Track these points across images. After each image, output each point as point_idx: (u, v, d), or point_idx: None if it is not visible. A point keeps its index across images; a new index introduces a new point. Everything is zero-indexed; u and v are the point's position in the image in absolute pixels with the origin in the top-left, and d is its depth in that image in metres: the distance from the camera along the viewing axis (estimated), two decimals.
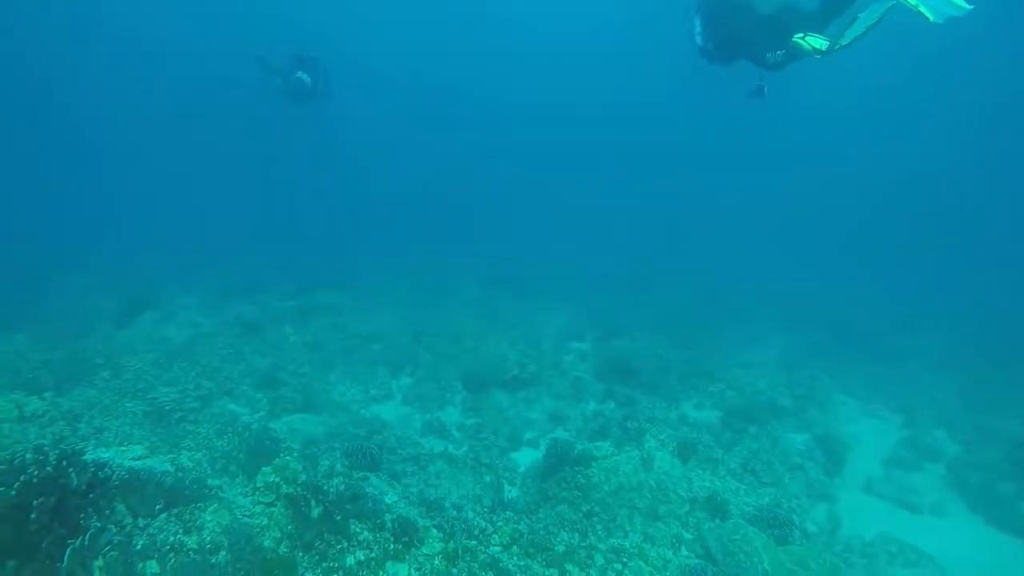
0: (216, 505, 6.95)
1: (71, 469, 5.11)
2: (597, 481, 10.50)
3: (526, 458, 13.62)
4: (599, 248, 38.38)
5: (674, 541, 9.84)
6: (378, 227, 42.27)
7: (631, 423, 11.91)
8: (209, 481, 8.14)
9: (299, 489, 5.99)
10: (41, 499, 4.94)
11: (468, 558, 6.60)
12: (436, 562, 6.36)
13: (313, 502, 5.86)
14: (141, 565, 5.20)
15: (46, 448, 5.28)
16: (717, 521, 10.35)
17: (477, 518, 7.65)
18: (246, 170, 64.68)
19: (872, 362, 19.59)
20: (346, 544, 5.95)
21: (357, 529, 6.23)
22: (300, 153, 59.74)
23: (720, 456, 12.54)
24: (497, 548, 7.01)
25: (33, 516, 4.84)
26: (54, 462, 5.07)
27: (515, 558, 6.86)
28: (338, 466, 9.92)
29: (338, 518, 5.86)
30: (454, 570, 6.35)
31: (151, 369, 14.39)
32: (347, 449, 10.62)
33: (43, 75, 57.21)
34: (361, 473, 9.44)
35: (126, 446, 8.11)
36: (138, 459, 7.99)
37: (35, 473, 4.97)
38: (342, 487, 6.67)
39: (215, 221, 40.61)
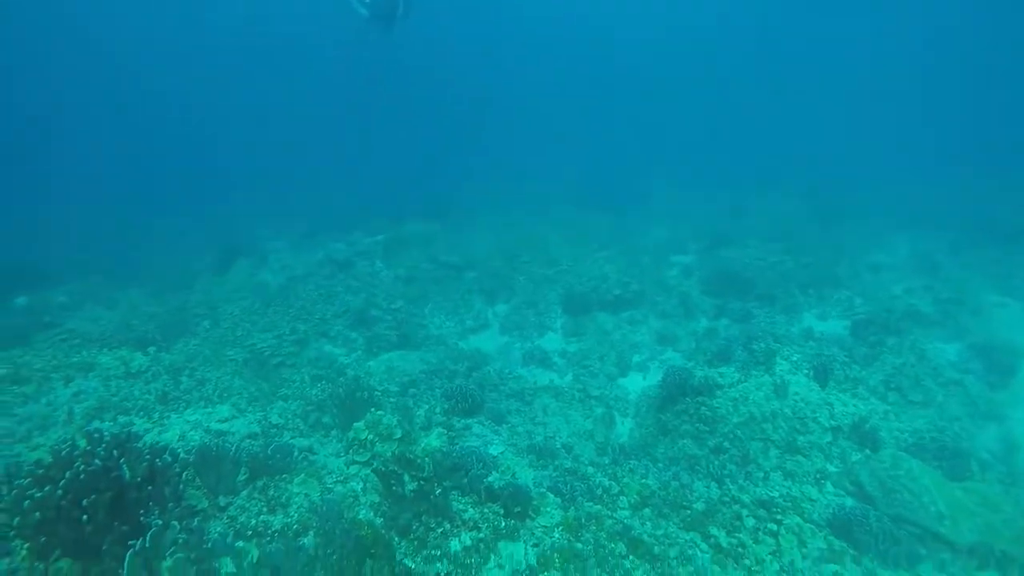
0: (304, 475, 6.08)
1: (123, 460, 4.19)
2: (724, 412, 9.03)
3: (636, 384, 12.31)
4: (697, 157, 35.15)
5: (818, 477, 8.28)
6: (466, 154, 40.73)
7: (757, 344, 10.19)
8: (299, 441, 7.34)
9: (390, 464, 4.92)
10: (93, 496, 4.03)
11: (594, 527, 5.42)
12: (556, 535, 5.21)
13: (407, 477, 4.81)
14: (215, 564, 4.32)
15: (98, 435, 4.38)
16: (867, 452, 8.68)
17: (598, 474, 6.42)
18: (329, 104, 64.02)
19: None
20: (448, 526, 4.89)
21: (460, 506, 5.17)
22: (386, 86, 58.25)
23: (859, 374, 10.67)
24: (626, 512, 5.77)
25: (85, 517, 3.95)
26: (103, 454, 4.17)
27: (648, 523, 5.60)
28: (437, 413, 8.98)
29: (437, 493, 4.80)
30: (579, 544, 5.17)
31: (248, 316, 14.01)
32: (447, 391, 9.65)
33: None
34: (463, 421, 8.44)
35: (212, 407, 7.39)
36: (224, 421, 7.28)
37: (82, 468, 4.06)
38: (439, 456, 5.54)
39: (302, 160, 40.46)
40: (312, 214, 24.39)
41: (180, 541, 4.13)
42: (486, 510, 5.14)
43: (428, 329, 15.11)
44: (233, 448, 5.52)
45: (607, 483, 6.11)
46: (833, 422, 8.91)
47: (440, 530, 4.86)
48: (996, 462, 9.42)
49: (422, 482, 4.77)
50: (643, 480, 6.21)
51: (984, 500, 7.62)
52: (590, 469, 6.58)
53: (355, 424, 7.36)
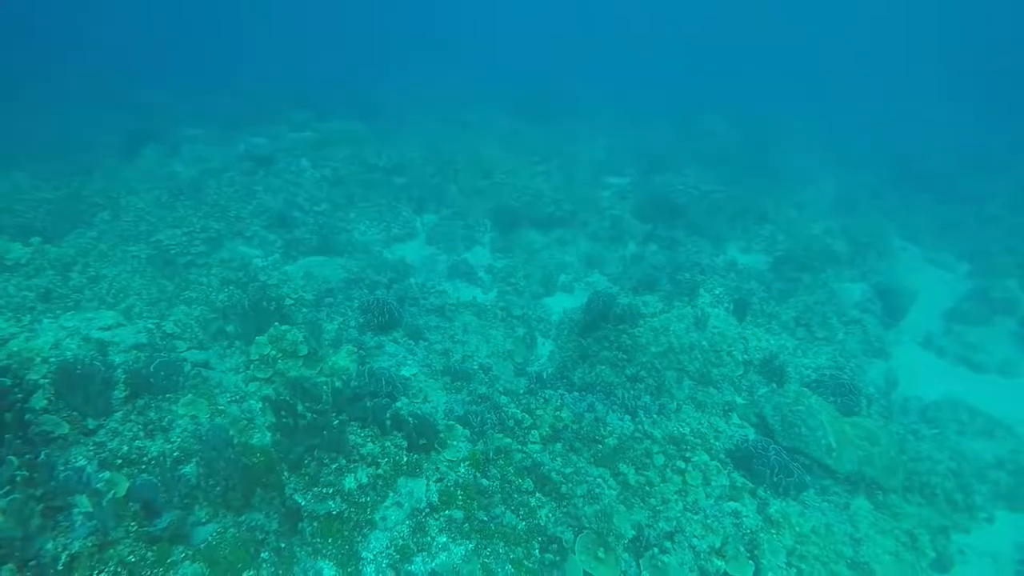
0: (193, 394, 5.39)
1: None
2: (644, 341, 8.86)
3: (560, 304, 12.04)
4: (643, 76, 33.86)
5: (726, 409, 8.34)
6: (404, 50, 37.62)
7: (683, 275, 9.99)
8: (195, 355, 6.59)
9: (284, 392, 4.32)
10: None
11: (502, 462, 5.09)
12: (462, 470, 4.85)
13: (301, 407, 4.25)
14: (67, 501, 3.69)
15: None
16: (773, 386, 8.81)
17: (512, 404, 6.06)
18: None
19: (942, 204, 16.92)
20: (344, 462, 4.41)
21: (359, 439, 4.68)
22: None
23: (774, 310, 10.77)
24: (537, 446, 5.47)
25: None
26: None
27: (558, 458, 5.33)
28: (351, 328, 8.36)
29: (334, 426, 4.28)
30: (484, 481, 4.84)
31: (154, 209, 12.60)
32: (364, 304, 8.98)
33: None
34: (376, 339, 7.85)
35: (95, 313, 6.46)
36: (107, 329, 6.40)
37: None
38: (345, 379, 4.97)
39: (222, 44, 36.19)
40: (234, 104, 21.97)
41: (19, 479, 3.45)
42: (388, 443, 4.70)
43: (352, 235, 14.17)
44: (103, 364, 4.74)
45: (520, 415, 5.79)
46: (746, 356, 8.94)
47: (334, 466, 4.39)
48: (880, 396, 9.85)
49: (316, 415, 4.24)
50: (557, 412, 5.93)
51: (867, 434, 7.91)
52: (504, 398, 6.24)
53: (257, 338, 6.66)
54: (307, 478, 4.30)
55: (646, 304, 9.38)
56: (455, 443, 5.07)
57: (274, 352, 6.52)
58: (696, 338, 8.91)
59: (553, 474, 5.05)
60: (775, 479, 6.94)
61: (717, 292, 9.92)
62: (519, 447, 5.34)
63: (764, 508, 6.35)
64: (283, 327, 6.68)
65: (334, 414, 4.49)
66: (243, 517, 4.37)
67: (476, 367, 8.43)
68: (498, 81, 30.83)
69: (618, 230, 14.33)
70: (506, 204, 14.61)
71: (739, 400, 8.58)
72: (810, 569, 5.80)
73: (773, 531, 6.22)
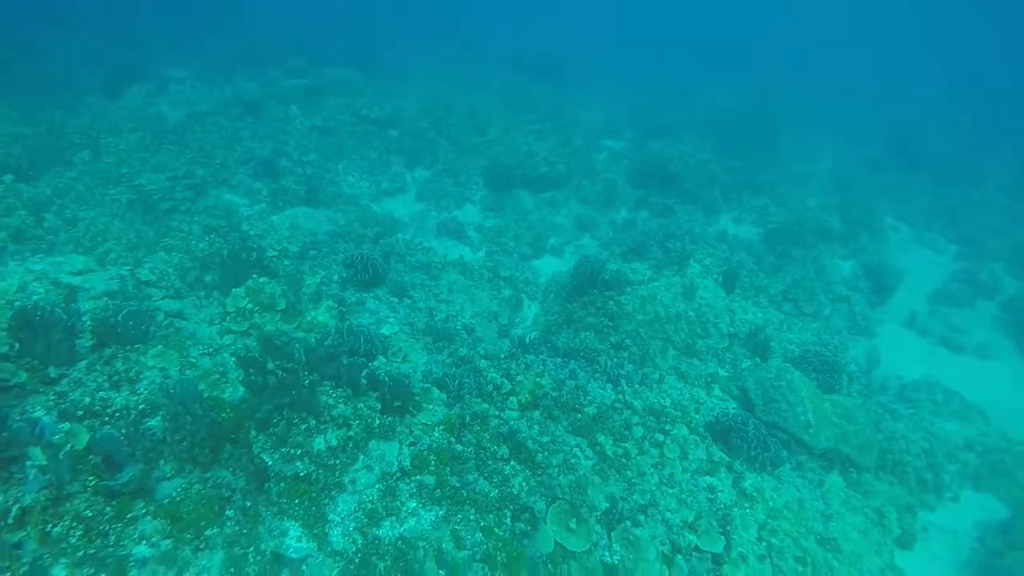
0: (162, 346, 5.19)
1: None
2: (631, 309, 8.72)
3: (548, 267, 11.87)
4: (648, 45, 32.81)
5: (708, 381, 8.28)
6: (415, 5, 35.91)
7: (673, 243, 9.80)
8: (168, 304, 6.36)
9: (256, 347, 4.12)
10: None
11: (478, 427, 4.97)
12: (436, 434, 4.72)
13: (271, 364, 4.07)
14: (20, 452, 3.52)
15: None
16: (757, 360, 8.74)
17: (492, 369, 5.91)
18: None
19: (938, 184, 16.69)
20: (314, 423, 4.26)
21: (331, 400, 4.51)
22: None
23: (763, 283, 10.65)
24: (515, 412, 5.33)
25: None
26: None
27: (536, 426, 5.20)
28: (334, 283, 8.14)
29: (305, 385, 4.10)
30: (459, 446, 4.71)
31: (137, 151, 12.14)
32: (348, 259, 8.73)
33: None
34: (357, 295, 7.63)
35: (64, 257, 6.19)
36: (78, 274, 6.15)
37: None
38: (322, 335, 4.77)
39: None
40: (224, 43, 21.03)
41: None
42: (361, 404, 4.54)
43: (340, 187, 13.79)
44: (65, 312, 4.50)
45: (499, 380, 5.65)
46: (732, 329, 8.83)
47: (304, 427, 4.24)
48: (861, 374, 9.84)
49: (286, 373, 4.06)
50: (538, 379, 5.79)
51: (845, 412, 7.89)
52: (484, 362, 6.08)
53: (234, 290, 6.43)
54: (275, 438, 4.15)
55: (635, 271, 9.21)
56: (431, 406, 4.93)
57: (251, 305, 6.30)
58: (683, 308, 8.77)
59: (529, 442, 4.94)
60: (752, 453, 6.90)
61: (707, 263, 9.76)
62: (496, 413, 5.21)
63: (739, 482, 6.32)
64: (261, 279, 6.45)
65: (306, 373, 4.31)
66: (209, 474, 4.24)
67: (460, 327, 8.27)
68: (504, 42, 29.73)
69: (611, 194, 14.05)
70: (499, 162, 14.23)
71: (722, 372, 8.52)
72: (780, 543, 5.79)
73: (747, 505, 6.20)
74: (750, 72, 28.41)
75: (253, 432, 4.22)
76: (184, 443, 4.19)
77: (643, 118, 18.12)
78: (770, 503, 6.31)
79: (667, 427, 5.88)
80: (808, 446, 7.59)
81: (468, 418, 4.98)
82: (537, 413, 5.35)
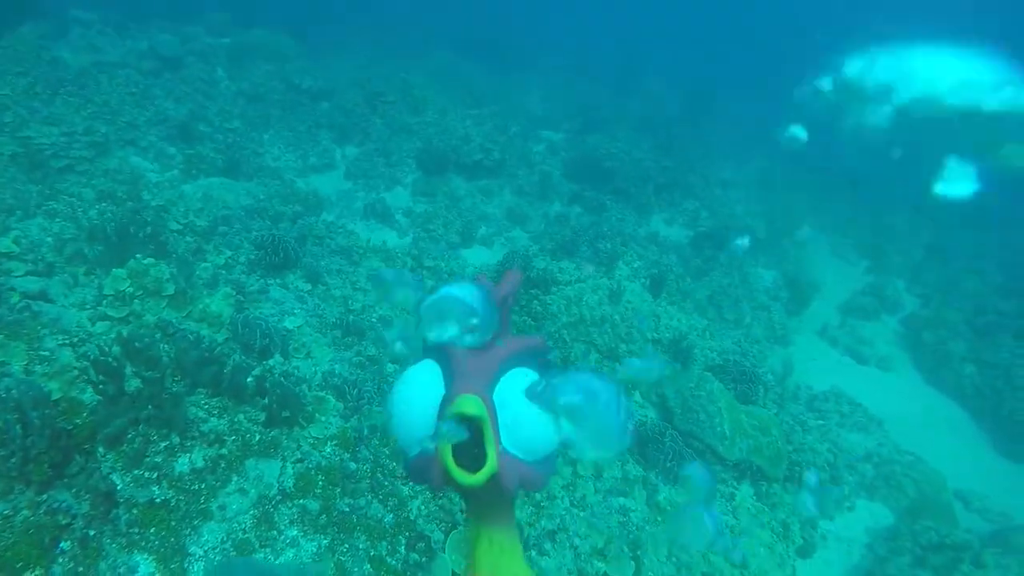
0: (5, 335, 4.31)
1: None
2: (555, 310, 8.33)
3: (477, 258, 11.36)
4: (590, 30, 32.39)
5: (630, 386, 8.00)
6: None
7: (604, 244, 9.45)
8: (30, 283, 5.41)
9: (114, 348, 3.37)
10: None
11: (377, 442, 4.38)
12: (328, 450, 4.12)
13: (130, 367, 3.35)
14: None
15: None
16: (678, 366, 8.56)
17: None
18: None
19: (854, 198, 17.20)
20: (178, 440, 3.58)
21: (202, 412, 3.83)
22: None
23: (689, 287, 10.52)
24: None
25: None
26: None
27: None
28: (240, 264, 7.31)
29: (169, 396, 3.40)
30: (353, 464, 4.14)
31: (25, 100, 10.61)
32: (259, 239, 7.89)
33: None
34: (261, 281, 6.86)
35: None
36: None
37: None
38: (191, 338, 4.05)
39: None
40: None
41: None
42: (241, 417, 3.89)
43: (264, 159, 12.68)
44: None
45: None
46: (656, 334, 8.61)
47: (164, 444, 3.56)
48: (776, 383, 9.89)
49: (146, 383, 3.36)
50: None
51: (760, 424, 7.83)
52: (392, 366, 5.50)
53: (114, 271, 5.55)
54: (127, 458, 3.46)
55: (562, 271, 8.81)
56: (325, 418, 4.33)
57: (133, 289, 5.45)
58: (608, 311, 8.46)
59: None
60: (668, 465, 6.70)
61: (636, 265, 9.50)
62: None
63: (653, 496, 6.08)
64: (146, 260, 5.59)
65: (175, 380, 3.61)
66: (45, 496, 3.49)
67: (375, 319, 7.63)
68: (447, 20, 28.54)
69: (546, 187, 13.61)
70: (434, 145, 13.49)
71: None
72: (689, 560, 5.57)
73: (659, 519, 5.97)
74: (689, 64, 28.66)
75: (101, 449, 3.50)
76: (13, 459, 3.44)
77: (582, 109, 17.72)
78: None
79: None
80: (722, 457, 7.48)
81: (367, 431, 4.41)
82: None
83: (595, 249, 9.52)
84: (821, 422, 9.04)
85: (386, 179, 13.03)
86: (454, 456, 1.12)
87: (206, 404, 3.92)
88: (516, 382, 1.23)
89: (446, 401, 1.18)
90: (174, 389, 3.55)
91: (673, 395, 7.85)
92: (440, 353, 1.30)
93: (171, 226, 8.07)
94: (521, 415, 1.19)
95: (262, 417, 4.01)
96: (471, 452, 1.15)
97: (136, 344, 3.55)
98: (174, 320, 5.37)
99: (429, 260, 9.82)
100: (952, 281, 13.99)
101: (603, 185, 14.03)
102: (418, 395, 1.24)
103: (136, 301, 5.30)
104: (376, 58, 19.29)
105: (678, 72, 26.04)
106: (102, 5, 15.50)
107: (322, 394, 4.54)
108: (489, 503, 1.24)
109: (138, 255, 5.63)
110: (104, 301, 5.36)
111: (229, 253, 7.66)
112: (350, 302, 7.94)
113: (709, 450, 7.50)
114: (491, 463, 1.12)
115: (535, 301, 8.30)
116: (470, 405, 1.14)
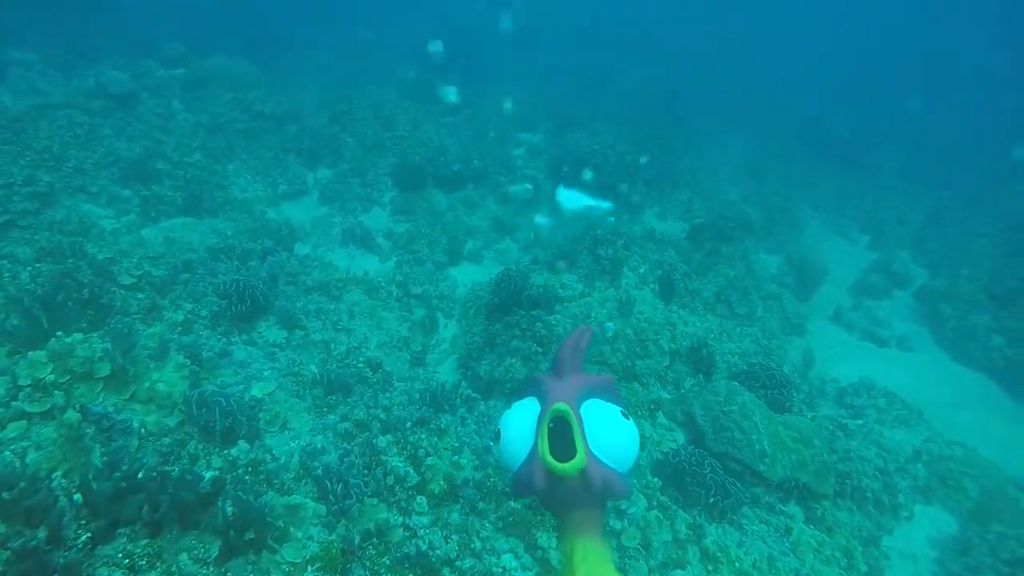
0: None
1: None
2: (561, 331, 7.28)
3: (467, 275, 10.29)
4: (560, 34, 31.14)
5: (652, 408, 6.98)
6: None
7: (604, 249, 8.39)
8: None
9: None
10: None
11: (373, 551, 3.29)
12: None
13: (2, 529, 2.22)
14: None
15: None
16: (700, 377, 7.55)
17: (393, 452, 4.17)
18: None
19: (845, 172, 16.29)
20: None
21: (114, 569, 2.69)
22: None
23: (696, 285, 9.50)
24: (424, 518, 3.66)
25: None
26: None
27: (455, 535, 3.56)
28: (202, 319, 6.17)
29: (59, 568, 2.27)
30: None
31: None
32: (221, 287, 6.75)
33: None
34: (223, 340, 5.72)
35: None
36: None
37: None
38: (102, 461, 2.92)
39: None
40: (87, 26, 17.48)
41: None
42: (183, 557, 2.77)
43: (230, 191, 11.47)
44: None
45: (403, 469, 3.96)
46: (673, 345, 7.60)
47: None
48: (800, 381, 8.91)
49: (22, 548, 2.26)
50: (455, 457, 4.15)
51: (800, 435, 6.83)
52: (385, 439, 4.34)
53: (31, 354, 4.39)
54: None
55: (564, 286, 7.75)
56: (301, 531, 3.23)
57: (56, 377, 4.30)
58: (620, 325, 7.40)
59: (445, 569, 3.34)
60: (711, 500, 5.67)
61: (641, 271, 8.45)
62: (401, 521, 3.57)
63: (700, 538, 5.04)
64: (70, 338, 4.44)
65: (79, 525, 2.50)
66: None
67: (363, 363, 6.53)
68: (415, 32, 27.26)
69: (533, 192, 12.53)
70: (409, 160, 12.37)
71: (665, 395, 7.28)
72: None
73: (710, 567, 4.94)
74: (660, 60, 27.62)
75: None
76: None
77: (557, 109, 16.65)
78: (737, 563, 5.07)
79: (620, 503, 4.46)
80: (763, 477, 6.46)
81: (359, 539, 3.31)
82: (455, 514, 3.73)
83: (595, 256, 8.47)
84: (860, 421, 8.04)
85: (363, 200, 11.93)
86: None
87: (126, 548, 2.78)
88: (595, 404, 1.42)
89: (542, 414, 1.37)
90: (63, 559, 2.40)
91: (701, 413, 6.82)
92: (537, 388, 1.51)
93: (122, 280, 6.92)
94: (601, 429, 1.36)
95: (214, 548, 2.90)
96: (563, 458, 1.25)
97: (7, 492, 2.41)
98: (112, 408, 4.24)
99: (416, 287, 8.72)
100: (957, 247, 13.10)
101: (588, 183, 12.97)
102: (522, 418, 1.45)
103: (57, 392, 4.15)
104: (343, 79, 18.05)
105: (649, 64, 25.08)
106: (44, 44, 14.14)
107: (295, 500, 3.43)
108: (580, 509, 1.32)
109: (59, 332, 4.48)
110: (20, 394, 4.21)
111: (190, 307, 6.51)
112: (332, 346, 6.84)
113: (748, 470, 6.50)
114: (580, 455, 1.24)
115: (538, 323, 7.22)
116: (562, 408, 1.33)
